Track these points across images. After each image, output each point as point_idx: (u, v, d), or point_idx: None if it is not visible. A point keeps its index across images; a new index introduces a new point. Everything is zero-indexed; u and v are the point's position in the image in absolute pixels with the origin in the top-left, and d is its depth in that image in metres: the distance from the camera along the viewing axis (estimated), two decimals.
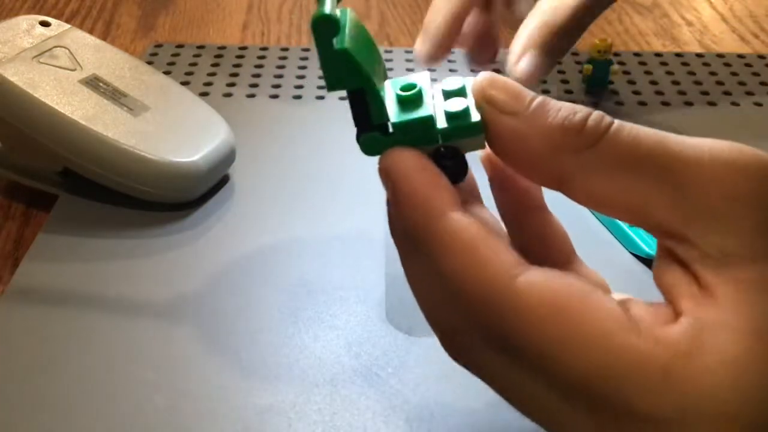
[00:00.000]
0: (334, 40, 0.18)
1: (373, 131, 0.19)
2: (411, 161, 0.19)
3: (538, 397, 0.18)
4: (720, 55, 0.53)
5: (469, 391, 0.27)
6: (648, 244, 0.33)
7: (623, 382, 0.16)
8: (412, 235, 0.19)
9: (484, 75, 0.19)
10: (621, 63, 0.51)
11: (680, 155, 0.17)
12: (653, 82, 0.49)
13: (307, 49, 0.51)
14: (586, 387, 0.17)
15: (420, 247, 0.18)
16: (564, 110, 0.18)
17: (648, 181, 0.17)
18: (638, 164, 0.18)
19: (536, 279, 0.17)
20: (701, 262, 0.17)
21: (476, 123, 0.19)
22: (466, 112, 0.19)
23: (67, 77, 0.36)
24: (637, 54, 0.53)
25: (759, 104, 0.47)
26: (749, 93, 0.48)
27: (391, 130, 0.19)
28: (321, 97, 0.46)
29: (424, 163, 0.19)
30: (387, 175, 0.19)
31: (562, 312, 0.17)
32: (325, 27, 0.18)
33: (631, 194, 0.18)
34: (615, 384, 0.16)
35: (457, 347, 0.20)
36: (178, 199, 0.36)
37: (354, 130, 0.20)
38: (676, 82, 0.49)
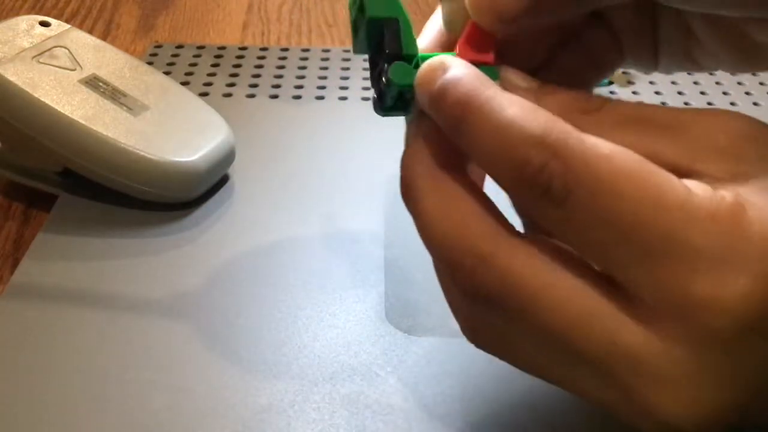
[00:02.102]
0: None
1: (403, 61, 0.21)
2: (456, 59, 0.20)
3: (577, 285, 0.18)
4: None
5: (468, 391, 0.27)
6: None
7: (677, 218, 0.17)
8: (461, 110, 0.19)
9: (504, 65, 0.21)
10: None
11: (682, 111, 0.19)
12: (652, 83, 0.49)
13: (307, 50, 0.52)
14: (639, 225, 0.17)
15: (469, 119, 0.19)
16: (571, 89, 0.20)
17: (653, 131, 0.19)
18: (642, 119, 0.19)
19: (596, 137, 0.18)
20: (714, 185, 0.18)
21: (492, 68, 0.21)
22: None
23: (67, 77, 0.36)
24: None
25: (757, 104, 0.47)
26: (748, 93, 0.48)
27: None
28: (321, 98, 0.46)
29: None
30: (437, 66, 0.20)
31: (623, 157, 0.17)
32: None
33: (638, 144, 0.19)
34: (668, 220, 0.17)
35: (480, 262, 0.19)
36: (177, 198, 0.36)
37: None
38: (674, 83, 0.49)
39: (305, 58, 0.51)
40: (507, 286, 0.19)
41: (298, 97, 0.46)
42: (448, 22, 0.22)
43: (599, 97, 0.20)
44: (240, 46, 0.52)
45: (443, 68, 0.20)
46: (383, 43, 0.21)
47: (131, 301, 0.31)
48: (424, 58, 0.21)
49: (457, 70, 0.20)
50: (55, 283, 0.32)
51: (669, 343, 0.17)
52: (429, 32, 0.23)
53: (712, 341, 0.17)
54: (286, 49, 0.52)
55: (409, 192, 0.21)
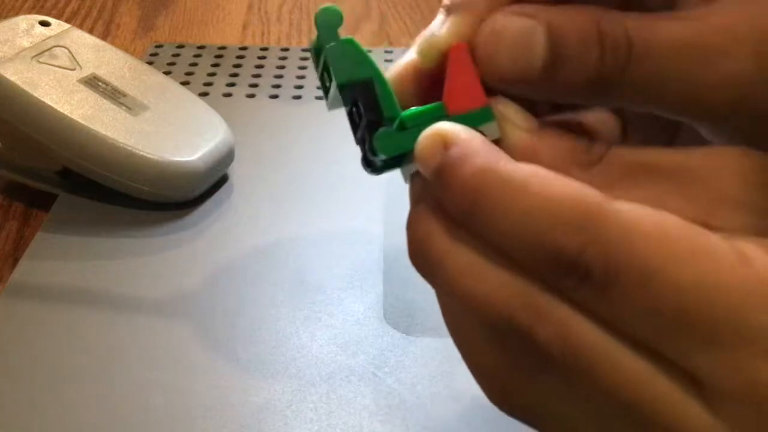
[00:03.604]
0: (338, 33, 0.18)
1: (384, 126, 0.19)
2: (456, 127, 0.18)
3: (627, 356, 0.16)
4: None
5: (465, 392, 0.27)
6: None
7: (737, 298, 0.15)
8: (472, 195, 0.17)
9: (499, 97, 0.19)
10: None
11: (688, 156, 0.17)
12: None
13: (307, 50, 0.52)
14: (697, 311, 0.15)
15: (484, 205, 0.17)
16: (570, 134, 0.18)
17: (660, 184, 0.17)
18: (647, 170, 0.18)
19: (631, 204, 0.16)
20: (736, 238, 0.17)
21: (486, 108, 0.19)
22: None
23: (67, 77, 0.36)
24: None
25: None
26: None
27: (398, 126, 0.19)
28: (321, 98, 0.46)
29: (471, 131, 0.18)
30: (435, 139, 0.18)
31: (667, 231, 0.16)
32: (332, 18, 0.18)
33: (646, 201, 0.17)
34: (728, 302, 0.15)
35: (538, 317, 0.17)
36: (176, 198, 0.36)
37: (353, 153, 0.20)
38: None
39: (305, 58, 0.50)
40: (570, 343, 0.16)
41: (298, 97, 0.46)
42: (426, 52, 0.19)
43: (600, 145, 0.18)
44: (240, 46, 0.52)
45: (443, 143, 0.17)
46: (359, 106, 0.19)
47: (130, 300, 0.31)
48: (408, 117, 0.19)
49: (462, 145, 0.17)
50: (54, 282, 0.32)
51: (738, 429, 0.16)
52: (398, 69, 0.20)
53: None
54: (286, 49, 0.52)
55: (425, 255, 0.18)
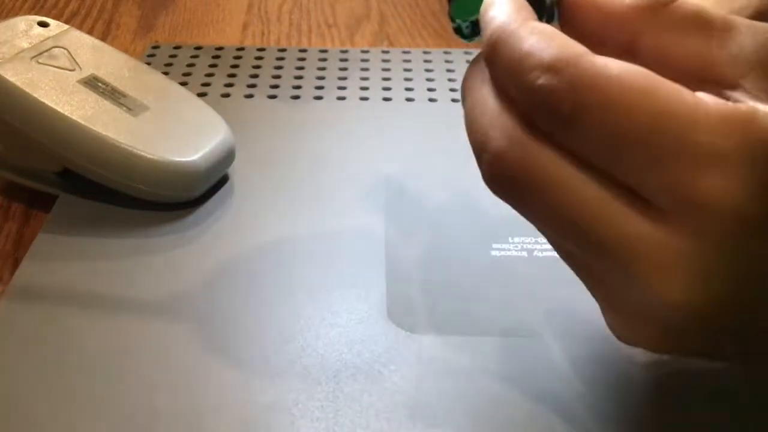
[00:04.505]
0: None
1: None
2: None
3: (580, 181, 0.19)
4: None
5: (471, 389, 0.27)
6: None
7: (685, 122, 0.18)
8: (491, 43, 0.20)
9: None
10: None
11: (742, 20, 0.20)
12: None
13: (304, 50, 0.52)
14: (648, 134, 0.18)
15: (496, 51, 0.20)
16: None
17: (711, 39, 0.20)
18: (704, 25, 0.21)
19: (610, 59, 0.19)
20: (753, 101, 0.19)
21: None
22: None
23: (66, 77, 0.36)
24: None
25: None
26: None
27: None
28: (319, 98, 0.46)
29: None
30: (485, 6, 0.22)
31: (629, 72, 0.18)
32: None
33: (696, 49, 0.20)
34: (676, 126, 0.18)
35: (508, 144, 0.20)
36: (177, 198, 0.36)
37: None
38: None
39: (303, 59, 0.50)
40: (527, 168, 0.20)
41: (296, 98, 0.46)
42: None
43: None
44: (238, 46, 0.52)
45: (488, 7, 0.21)
46: None
47: (131, 300, 0.31)
48: None
49: (494, 9, 0.21)
50: (55, 283, 0.31)
51: (674, 235, 0.18)
52: None
53: (714, 235, 0.18)
54: (284, 50, 0.52)
55: (463, 89, 0.23)
